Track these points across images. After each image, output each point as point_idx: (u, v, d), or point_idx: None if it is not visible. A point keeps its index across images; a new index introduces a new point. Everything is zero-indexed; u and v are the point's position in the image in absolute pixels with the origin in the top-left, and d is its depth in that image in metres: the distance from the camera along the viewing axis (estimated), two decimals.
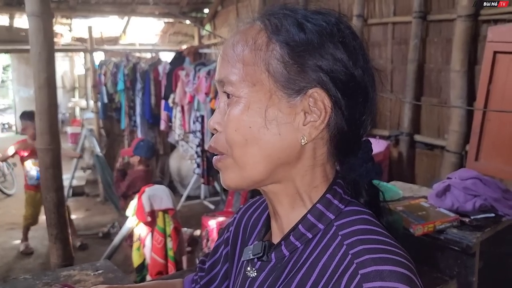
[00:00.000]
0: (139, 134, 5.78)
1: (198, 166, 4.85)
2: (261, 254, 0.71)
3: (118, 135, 6.76)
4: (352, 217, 0.66)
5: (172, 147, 6.26)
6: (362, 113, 0.67)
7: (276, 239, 0.73)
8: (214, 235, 4.06)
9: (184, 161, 5.88)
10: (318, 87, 0.63)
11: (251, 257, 0.73)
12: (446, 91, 3.47)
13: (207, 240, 4.21)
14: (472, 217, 1.69)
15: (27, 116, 4.31)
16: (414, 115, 3.76)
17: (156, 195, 2.86)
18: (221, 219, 4.19)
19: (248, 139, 0.64)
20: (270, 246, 0.71)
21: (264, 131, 0.63)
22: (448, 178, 1.84)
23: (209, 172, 4.88)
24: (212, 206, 5.60)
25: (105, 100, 6.45)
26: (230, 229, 0.89)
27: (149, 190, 2.87)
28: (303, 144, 0.64)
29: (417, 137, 3.79)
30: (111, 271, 1.25)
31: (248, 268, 0.73)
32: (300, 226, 0.67)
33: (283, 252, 0.68)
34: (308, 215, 0.67)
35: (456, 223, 1.64)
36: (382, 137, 3.96)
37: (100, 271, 1.24)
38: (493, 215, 1.71)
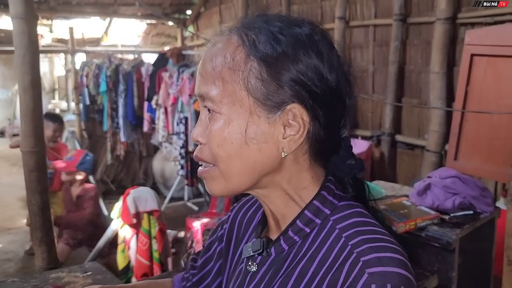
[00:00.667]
0: (121, 136, 5.73)
1: (182, 167, 4.84)
2: (261, 250, 0.74)
3: (101, 137, 6.69)
4: (346, 211, 0.70)
5: (155, 148, 6.23)
6: (341, 118, 0.70)
7: (273, 234, 0.75)
8: (199, 236, 4.05)
9: (167, 163, 5.86)
10: (296, 102, 0.65)
11: (251, 253, 0.75)
12: (426, 92, 3.55)
13: (192, 242, 4.21)
14: (451, 215, 1.75)
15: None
16: (395, 115, 3.84)
17: (141, 196, 2.85)
18: (205, 220, 4.19)
19: (231, 154, 0.66)
20: (269, 242, 0.74)
21: (245, 147, 0.66)
22: (429, 177, 1.89)
23: (193, 174, 4.87)
24: (195, 208, 5.59)
25: (87, 102, 6.37)
26: (224, 227, 0.91)
27: (134, 192, 2.86)
28: (283, 156, 0.67)
29: (398, 137, 3.86)
30: (99, 273, 1.26)
31: (250, 263, 0.76)
32: (298, 222, 0.70)
33: (282, 246, 0.71)
34: (305, 211, 0.70)
35: (437, 221, 1.69)
36: (364, 138, 4.03)
37: (88, 273, 1.25)
38: (471, 212, 1.77)
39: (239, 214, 0.90)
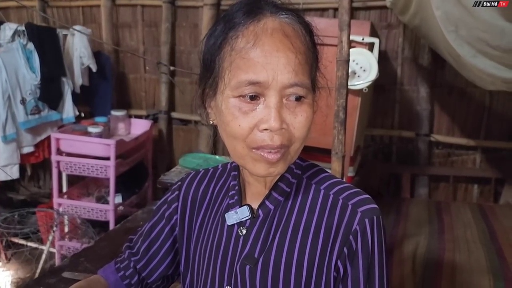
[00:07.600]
0: None
1: None
2: (249, 215, 0.84)
3: None
4: (313, 169, 0.87)
5: None
6: None
7: (252, 201, 0.86)
8: None
9: None
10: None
11: (240, 219, 0.84)
12: (197, 71, 3.87)
13: None
14: None
15: None
16: (170, 94, 4.03)
17: None
18: None
19: (308, 133, 0.77)
20: (252, 208, 0.85)
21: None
22: None
23: None
24: None
25: None
26: (174, 205, 0.96)
27: None
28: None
29: (174, 114, 4.08)
30: None
31: (240, 228, 0.85)
32: (279, 183, 0.84)
33: (268, 207, 0.83)
34: (285, 174, 0.83)
35: None
36: (138, 117, 4.05)
37: None
38: None
39: (190, 191, 0.96)
